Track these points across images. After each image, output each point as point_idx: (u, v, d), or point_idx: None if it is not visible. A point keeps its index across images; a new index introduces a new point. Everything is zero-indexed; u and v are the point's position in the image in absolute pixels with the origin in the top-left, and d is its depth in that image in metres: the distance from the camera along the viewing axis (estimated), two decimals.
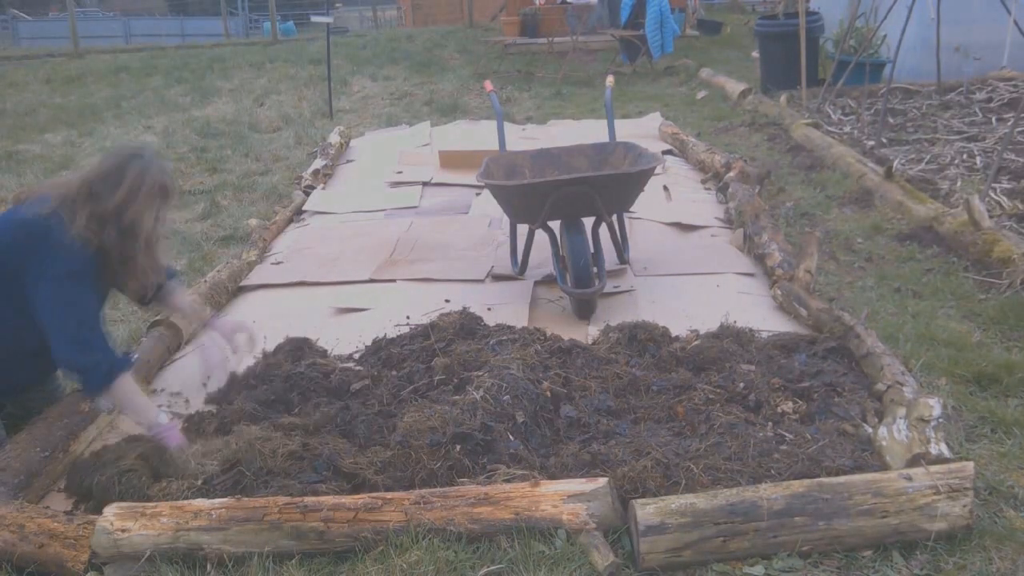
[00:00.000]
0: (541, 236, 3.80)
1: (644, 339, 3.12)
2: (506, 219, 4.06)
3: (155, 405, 2.70)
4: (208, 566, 2.16)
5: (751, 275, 3.96)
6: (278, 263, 4.43)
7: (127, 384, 2.61)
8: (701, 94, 8.95)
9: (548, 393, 2.72)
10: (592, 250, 3.61)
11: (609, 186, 3.57)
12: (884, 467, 2.36)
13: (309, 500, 2.21)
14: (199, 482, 2.42)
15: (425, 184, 5.76)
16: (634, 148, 3.97)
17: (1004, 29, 6.83)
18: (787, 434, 2.53)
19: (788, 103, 7.36)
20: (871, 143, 6.00)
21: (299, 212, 5.42)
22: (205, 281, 3.98)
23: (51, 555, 2.19)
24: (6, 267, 2.52)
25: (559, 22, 12.81)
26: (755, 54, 9.45)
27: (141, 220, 2.56)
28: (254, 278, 4.25)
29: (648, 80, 10.25)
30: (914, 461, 2.27)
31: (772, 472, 2.34)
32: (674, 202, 5.07)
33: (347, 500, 2.22)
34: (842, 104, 7.34)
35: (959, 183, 4.94)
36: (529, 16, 13.43)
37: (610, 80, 4.50)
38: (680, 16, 12.30)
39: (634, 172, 3.66)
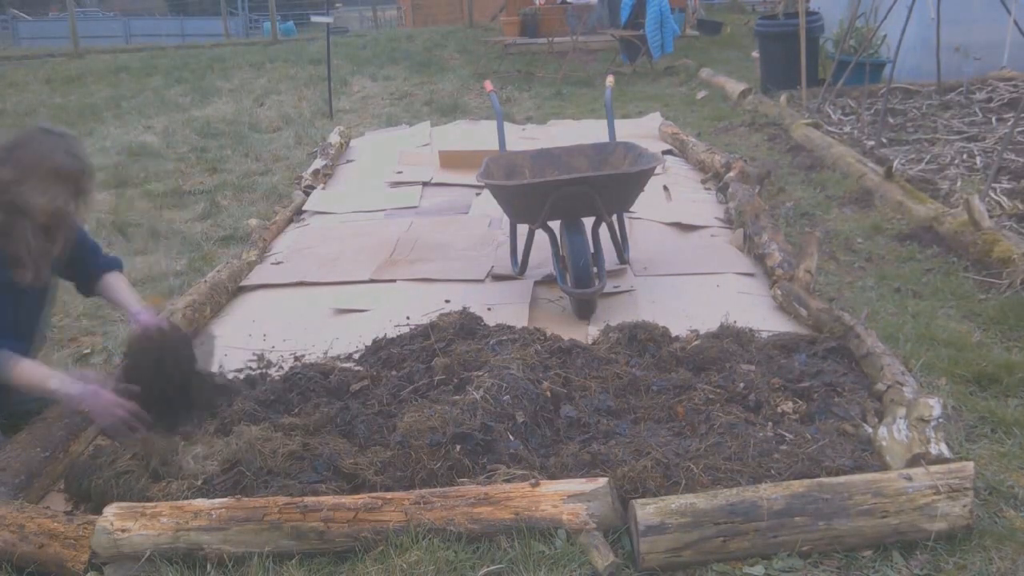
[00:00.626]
0: (541, 236, 3.80)
1: (644, 339, 3.12)
2: (506, 219, 4.06)
3: (56, 373, 2.56)
4: (208, 566, 2.16)
5: (751, 275, 3.96)
6: (278, 263, 4.43)
7: (20, 370, 2.52)
8: (701, 94, 8.95)
9: (548, 393, 2.72)
10: (592, 250, 3.61)
11: (609, 186, 3.57)
12: (884, 467, 2.36)
13: (309, 500, 2.21)
14: (199, 482, 2.42)
15: (425, 184, 5.76)
16: (634, 148, 3.97)
17: (1004, 29, 6.83)
18: (787, 434, 2.53)
19: (788, 103, 7.36)
20: (871, 143, 6.00)
21: (299, 212, 5.42)
22: (205, 281, 3.98)
23: (51, 555, 2.19)
24: None
25: (559, 22, 12.82)
26: (755, 54, 9.45)
27: (29, 200, 2.45)
28: (254, 278, 4.25)
29: (648, 80, 10.25)
30: (914, 461, 2.27)
31: (772, 472, 2.34)
32: (674, 202, 5.08)
33: (347, 500, 2.22)
34: (842, 104, 7.34)
35: (959, 183, 4.94)
36: (529, 16, 13.44)
37: (610, 80, 4.50)
38: (680, 16, 12.31)
39: (634, 172, 3.66)
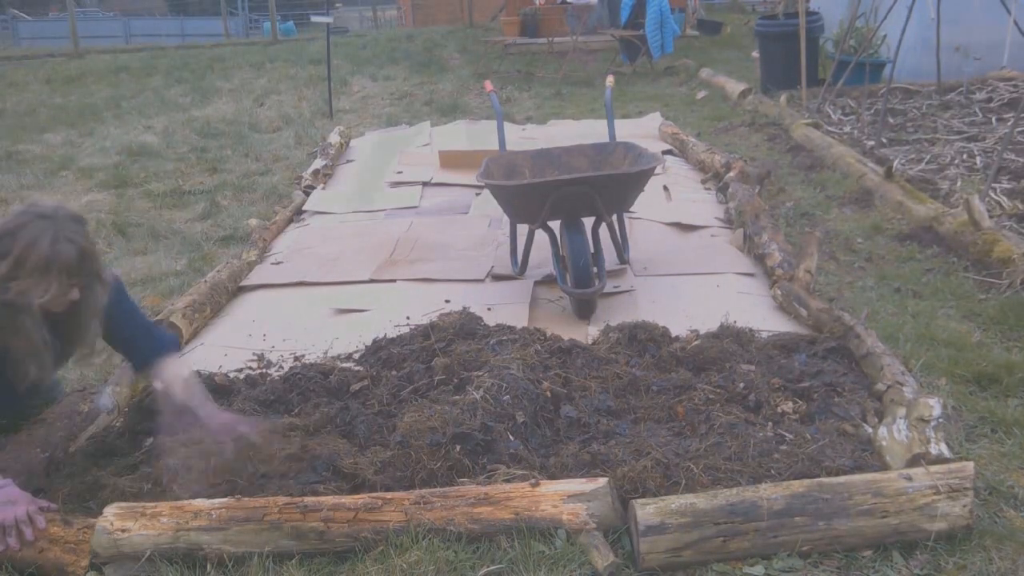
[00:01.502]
0: (541, 236, 3.80)
1: (644, 339, 3.12)
2: (506, 219, 4.06)
3: None
4: (208, 566, 2.16)
5: (751, 275, 3.96)
6: (278, 263, 4.43)
7: None
8: (701, 94, 8.95)
9: (548, 393, 2.72)
10: (592, 250, 3.61)
11: (609, 186, 3.57)
12: (884, 467, 2.36)
13: (309, 500, 2.21)
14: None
15: (425, 184, 5.76)
16: (634, 148, 3.97)
17: (1004, 29, 6.82)
18: (787, 434, 2.53)
19: (788, 103, 7.35)
20: (871, 143, 6.00)
21: (299, 212, 5.42)
22: (205, 281, 3.98)
23: (51, 560, 2.20)
24: None
25: (559, 22, 12.82)
26: (755, 54, 9.45)
27: (28, 295, 2.24)
28: (254, 278, 4.25)
29: (648, 80, 10.25)
30: (914, 461, 2.27)
31: (772, 472, 2.34)
32: (674, 202, 5.07)
33: (347, 500, 2.22)
34: (842, 104, 7.34)
35: (959, 183, 4.94)
36: (529, 16, 13.44)
37: (610, 80, 4.50)
38: (680, 16, 12.31)
39: (634, 172, 3.66)
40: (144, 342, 2.69)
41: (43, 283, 2.26)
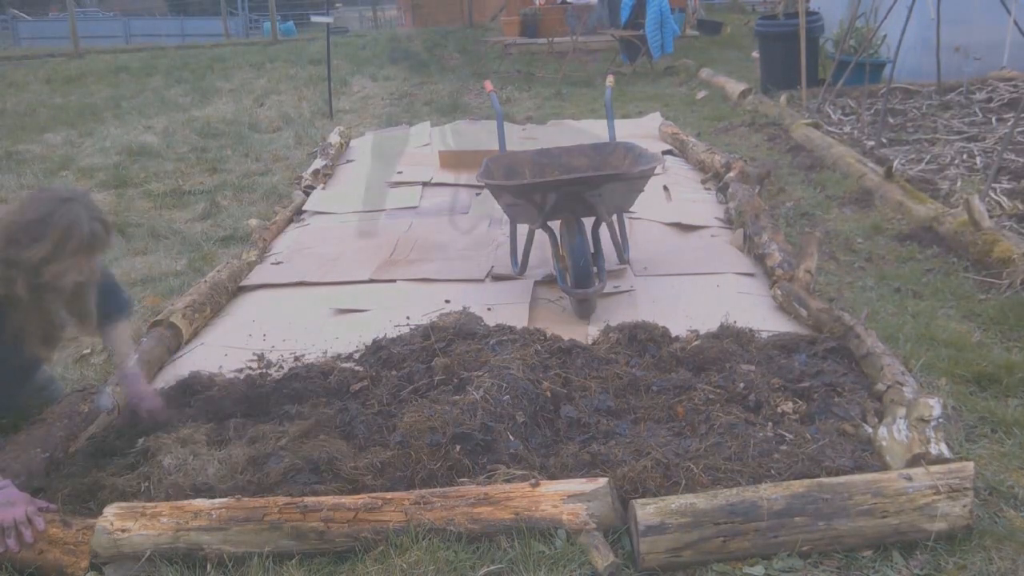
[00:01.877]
0: (541, 236, 3.80)
1: (644, 339, 3.12)
2: (506, 219, 4.06)
3: None
4: (208, 566, 2.16)
5: (751, 275, 3.96)
6: (278, 263, 4.43)
7: None
8: (701, 94, 8.95)
9: (548, 393, 2.72)
10: (592, 250, 3.61)
11: (609, 186, 3.57)
12: (884, 467, 2.36)
13: (309, 500, 2.21)
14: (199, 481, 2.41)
15: (425, 184, 5.76)
16: (634, 148, 3.97)
17: (1004, 29, 6.82)
18: (787, 434, 2.53)
19: (788, 103, 7.36)
20: (871, 143, 6.00)
21: (299, 212, 5.42)
22: (205, 281, 3.98)
23: (51, 561, 2.20)
24: None
25: (559, 22, 12.83)
26: (755, 54, 9.46)
27: (64, 277, 2.33)
28: (254, 278, 4.25)
29: (648, 80, 10.26)
30: (914, 461, 2.27)
31: (772, 472, 2.34)
32: (674, 202, 5.07)
33: (347, 500, 2.22)
34: (842, 104, 7.34)
35: (959, 183, 4.94)
36: (529, 16, 13.45)
37: (610, 80, 4.51)
38: (680, 16, 12.31)
39: (634, 172, 3.66)
40: (108, 304, 2.77)
41: (80, 263, 2.36)
